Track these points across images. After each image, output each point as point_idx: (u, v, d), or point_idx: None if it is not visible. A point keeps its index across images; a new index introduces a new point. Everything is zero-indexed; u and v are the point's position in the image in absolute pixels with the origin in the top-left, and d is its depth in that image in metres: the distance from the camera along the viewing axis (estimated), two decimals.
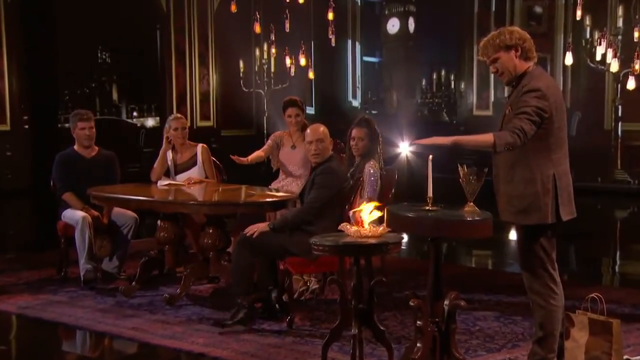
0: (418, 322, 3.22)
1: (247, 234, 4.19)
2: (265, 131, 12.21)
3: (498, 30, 3.34)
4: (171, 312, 4.57)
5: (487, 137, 3.12)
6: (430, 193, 3.21)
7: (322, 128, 4.38)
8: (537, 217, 3.21)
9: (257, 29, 8.32)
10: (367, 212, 3.39)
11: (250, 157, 5.27)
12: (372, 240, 3.51)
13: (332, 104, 14.31)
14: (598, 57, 9.21)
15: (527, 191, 3.20)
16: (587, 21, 10.31)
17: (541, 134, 3.17)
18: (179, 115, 5.62)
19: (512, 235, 7.40)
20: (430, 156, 3.17)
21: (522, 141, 3.10)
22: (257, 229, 4.20)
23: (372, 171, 4.75)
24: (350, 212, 3.59)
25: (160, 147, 5.44)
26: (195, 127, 12.10)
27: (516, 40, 3.25)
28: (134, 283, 4.99)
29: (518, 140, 3.08)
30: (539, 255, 3.27)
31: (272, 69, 11.94)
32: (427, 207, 3.19)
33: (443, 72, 14.43)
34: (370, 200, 4.71)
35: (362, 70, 15.17)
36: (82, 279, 5.13)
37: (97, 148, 5.49)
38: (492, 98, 12.63)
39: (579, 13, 7.67)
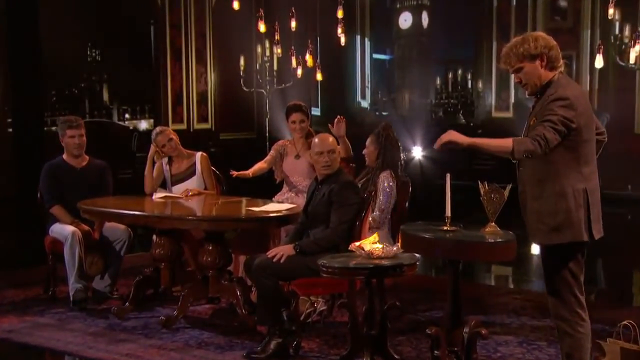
0: (435, 352, 3.23)
1: (274, 260, 4.12)
2: (267, 134, 12.21)
3: (522, 36, 3.32)
4: (168, 336, 4.57)
5: (506, 142, 3.14)
6: (448, 212, 3.21)
7: (331, 138, 4.40)
8: (571, 235, 3.20)
9: (262, 27, 8.33)
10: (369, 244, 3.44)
11: (252, 170, 5.28)
12: (385, 262, 3.53)
13: (339, 105, 14.29)
14: (632, 60, 9.19)
15: (558, 207, 3.19)
16: (617, 16, 10.28)
17: (569, 146, 3.18)
18: (159, 129, 5.54)
19: (535, 249, 7.39)
20: (448, 175, 3.18)
21: (543, 150, 3.11)
22: (283, 252, 4.15)
23: (386, 183, 4.77)
24: (354, 245, 3.60)
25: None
26: (192, 130, 12.12)
27: (541, 49, 3.25)
28: (127, 303, 5.00)
29: (539, 148, 3.09)
30: (566, 279, 3.26)
31: (275, 67, 11.95)
32: (445, 227, 3.20)
33: (459, 71, 14.42)
34: (382, 211, 4.76)
35: (372, 69, 15.16)
36: (71, 299, 5.14)
37: (87, 157, 5.51)
38: (512, 99, 12.61)
39: (610, 11, 7.64)
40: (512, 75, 3.38)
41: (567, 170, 3.21)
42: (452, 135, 3.22)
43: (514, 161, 3.19)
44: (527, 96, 3.45)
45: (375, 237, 3.61)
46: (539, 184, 3.24)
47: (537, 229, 3.26)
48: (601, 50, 8.85)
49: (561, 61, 3.29)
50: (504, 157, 3.17)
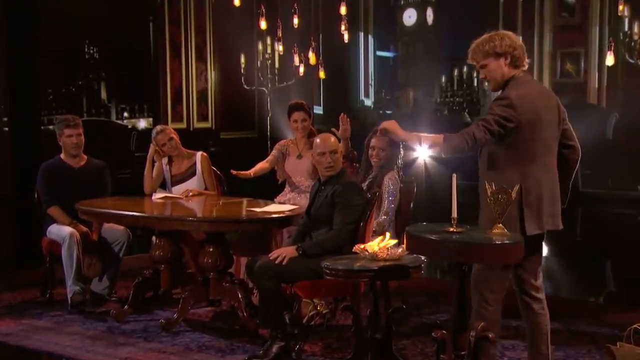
0: (441, 356, 3.23)
1: (277, 262, 4.12)
2: (268, 133, 12.23)
3: (489, 34, 3.50)
4: (168, 340, 4.58)
5: (438, 139, 3.39)
6: (454, 213, 3.21)
7: (332, 138, 4.40)
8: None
9: (264, 24, 8.34)
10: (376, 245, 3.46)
11: (253, 170, 5.28)
12: (390, 264, 3.53)
13: (342, 103, 14.32)
14: None
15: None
16: (626, 12, 10.26)
17: (509, 144, 3.37)
18: (159, 127, 5.55)
19: (542, 251, 7.38)
20: (455, 175, 3.18)
21: (470, 147, 3.35)
22: (285, 254, 4.15)
23: (391, 185, 4.77)
24: (358, 247, 3.62)
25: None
26: (191, 128, 12.13)
27: (506, 48, 3.42)
28: (126, 306, 5.00)
29: (466, 146, 3.33)
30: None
31: (277, 65, 11.96)
32: (451, 229, 3.19)
33: (465, 68, 14.40)
34: (387, 214, 4.76)
35: (376, 66, 15.18)
36: (69, 301, 5.15)
37: (85, 157, 5.51)
38: None
39: (620, 8, 7.66)
40: (480, 73, 3.58)
41: (505, 166, 3.39)
42: (393, 126, 3.53)
43: (445, 157, 3.45)
44: (491, 91, 3.70)
45: (383, 237, 3.63)
46: (485, 178, 3.41)
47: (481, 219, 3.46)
48: (612, 48, 8.84)
49: (525, 60, 3.49)
50: (436, 151, 3.43)
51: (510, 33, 3.51)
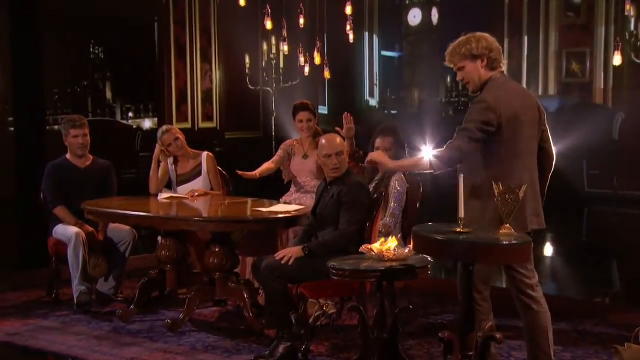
0: (449, 357, 3.22)
1: (283, 262, 4.12)
2: (273, 133, 12.23)
3: (466, 36, 3.52)
4: (173, 340, 4.58)
5: (425, 160, 3.50)
6: (461, 213, 3.21)
7: (338, 139, 4.40)
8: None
9: (269, 24, 8.35)
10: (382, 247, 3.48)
11: (259, 171, 5.28)
12: (397, 265, 3.53)
13: (347, 103, 14.26)
14: None
15: (471, 202, 3.37)
16: (632, 12, 10.25)
17: (490, 145, 3.41)
18: (165, 128, 5.55)
19: (548, 251, 7.38)
20: (462, 175, 3.18)
21: (459, 160, 3.41)
22: (291, 254, 4.15)
23: (398, 186, 4.76)
24: (365, 247, 3.63)
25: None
26: (196, 129, 12.13)
27: (482, 50, 3.47)
28: (132, 306, 5.02)
29: (455, 160, 3.41)
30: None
31: (282, 65, 11.96)
32: (457, 229, 3.19)
33: None
34: (393, 216, 4.75)
35: (381, 66, 15.15)
36: (75, 301, 5.16)
37: (91, 157, 5.53)
38: None
39: (627, 8, 7.67)
40: (457, 75, 3.62)
41: (486, 167, 3.43)
42: (380, 158, 3.73)
43: (436, 173, 3.49)
44: (470, 94, 3.68)
45: (392, 240, 3.64)
46: (467, 178, 3.41)
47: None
48: (619, 48, 8.82)
49: (502, 62, 3.54)
50: (426, 171, 3.53)
51: (487, 35, 3.55)
